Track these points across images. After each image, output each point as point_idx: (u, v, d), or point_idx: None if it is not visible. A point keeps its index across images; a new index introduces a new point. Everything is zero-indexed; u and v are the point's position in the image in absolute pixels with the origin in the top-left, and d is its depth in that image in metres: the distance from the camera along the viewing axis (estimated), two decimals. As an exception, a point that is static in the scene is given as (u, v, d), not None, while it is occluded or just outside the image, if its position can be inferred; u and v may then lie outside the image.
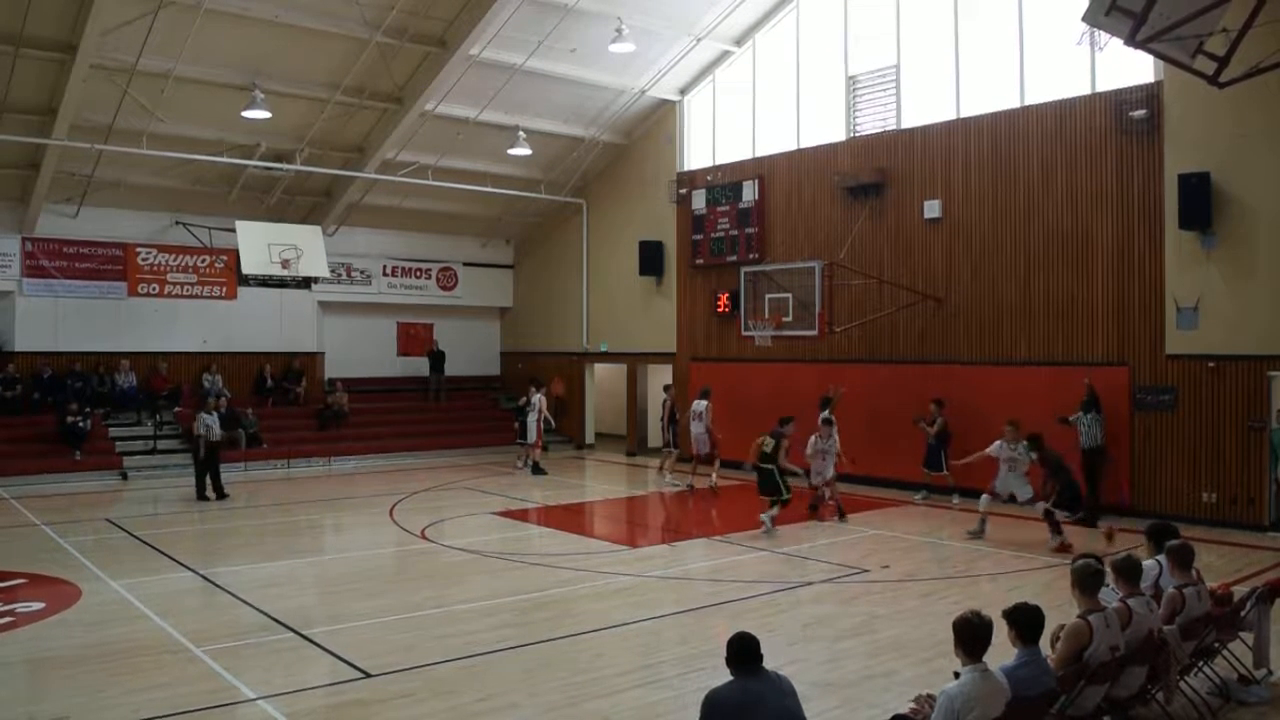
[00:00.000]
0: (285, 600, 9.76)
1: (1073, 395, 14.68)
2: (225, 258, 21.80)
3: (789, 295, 16.67)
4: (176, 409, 20.68)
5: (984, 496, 13.11)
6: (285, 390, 22.88)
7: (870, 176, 17.88)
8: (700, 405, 17.83)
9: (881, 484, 16.93)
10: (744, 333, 17.69)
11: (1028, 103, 16.02)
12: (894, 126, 17.93)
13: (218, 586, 10.29)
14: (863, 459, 16.51)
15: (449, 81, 18.57)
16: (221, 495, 16.48)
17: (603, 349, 23.90)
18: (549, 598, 9.98)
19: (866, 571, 11.03)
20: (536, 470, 19.65)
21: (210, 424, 16.49)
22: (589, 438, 24.62)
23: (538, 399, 19.98)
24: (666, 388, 20.22)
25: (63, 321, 20.60)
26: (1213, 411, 13.87)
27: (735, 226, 20.45)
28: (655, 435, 23.72)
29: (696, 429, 17.79)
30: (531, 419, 19.83)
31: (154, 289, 21.57)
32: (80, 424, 18.90)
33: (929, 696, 4.95)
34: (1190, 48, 9.95)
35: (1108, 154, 14.97)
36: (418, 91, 18.80)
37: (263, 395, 22.46)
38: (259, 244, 20.21)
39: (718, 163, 21.23)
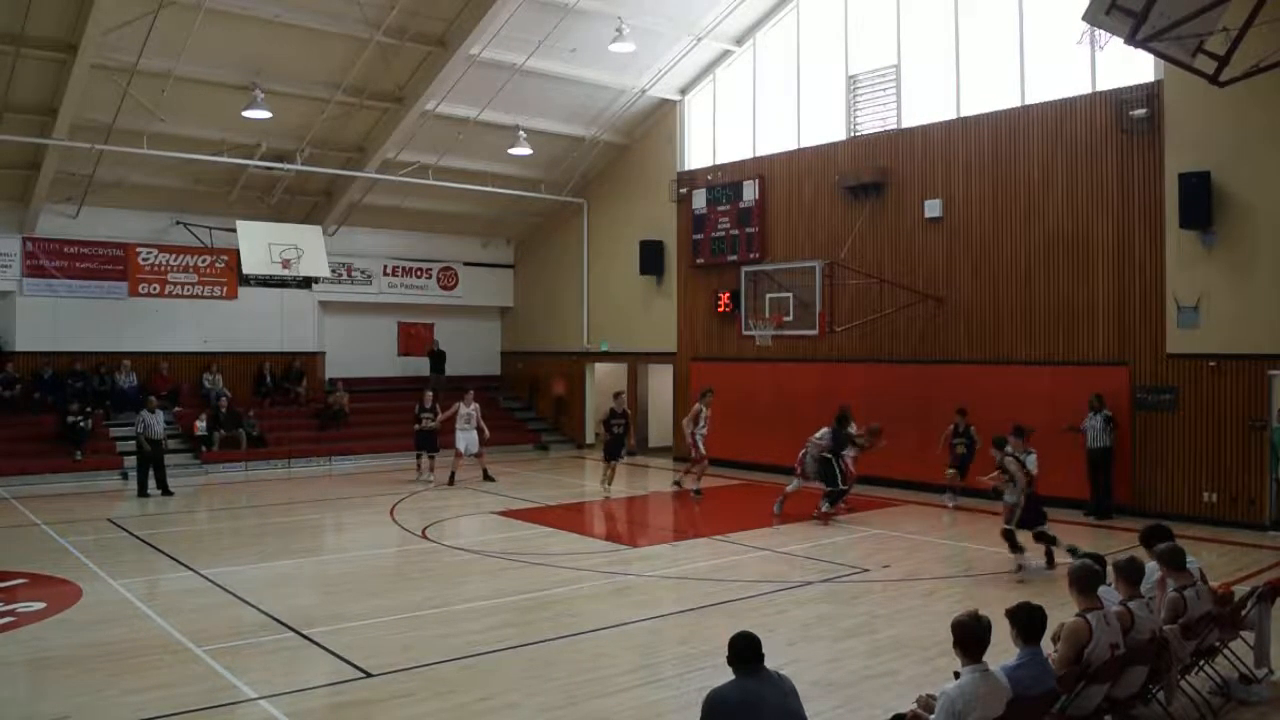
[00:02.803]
0: (285, 600, 9.75)
1: (1073, 395, 14.68)
2: (226, 258, 21.81)
3: (789, 295, 16.66)
4: (177, 409, 20.69)
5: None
6: (286, 390, 22.89)
7: (870, 176, 17.88)
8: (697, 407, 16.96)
9: (882, 484, 16.91)
10: (744, 332, 17.67)
11: (1028, 102, 16.02)
12: (894, 126, 17.92)
13: (218, 586, 10.28)
14: (863, 458, 16.47)
15: (449, 81, 18.57)
16: (166, 492, 16.69)
17: (603, 348, 23.90)
18: (549, 598, 9.97)
19: (867, 571, 11.03)
20: (487, 477, 18.30)
21: (150, 422, 16.59)
22: (589, 437, 24.60)
23: (474, 409, 18.39)
24: (617, 395, 17.73)
25: (63, 321, 20.61)
26: (1213, 411, 13.86)
27: (735, 226, 20.44)
28: (656, 435, 23.75)
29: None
30: (468, 428, 18.26)
31: (155, 289, 21.58)
32: (81, 424, 18.91)
33: (930, 697, 4.95)
34: (1190, 47, 9.95)
35: (1108, 153, 14.96)
36: (418, 91, 18.80)
37: (263, 395, 22.47)
38: (260, 244, 20.22)
39: (718, 162, 21.24)
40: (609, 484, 16.98)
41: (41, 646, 8.21)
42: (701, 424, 16.51)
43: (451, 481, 17.97)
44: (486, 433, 18.64)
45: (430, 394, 19.24)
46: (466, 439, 18.34)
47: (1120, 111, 14.71)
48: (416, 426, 18.71)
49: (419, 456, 18.78)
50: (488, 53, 18.23)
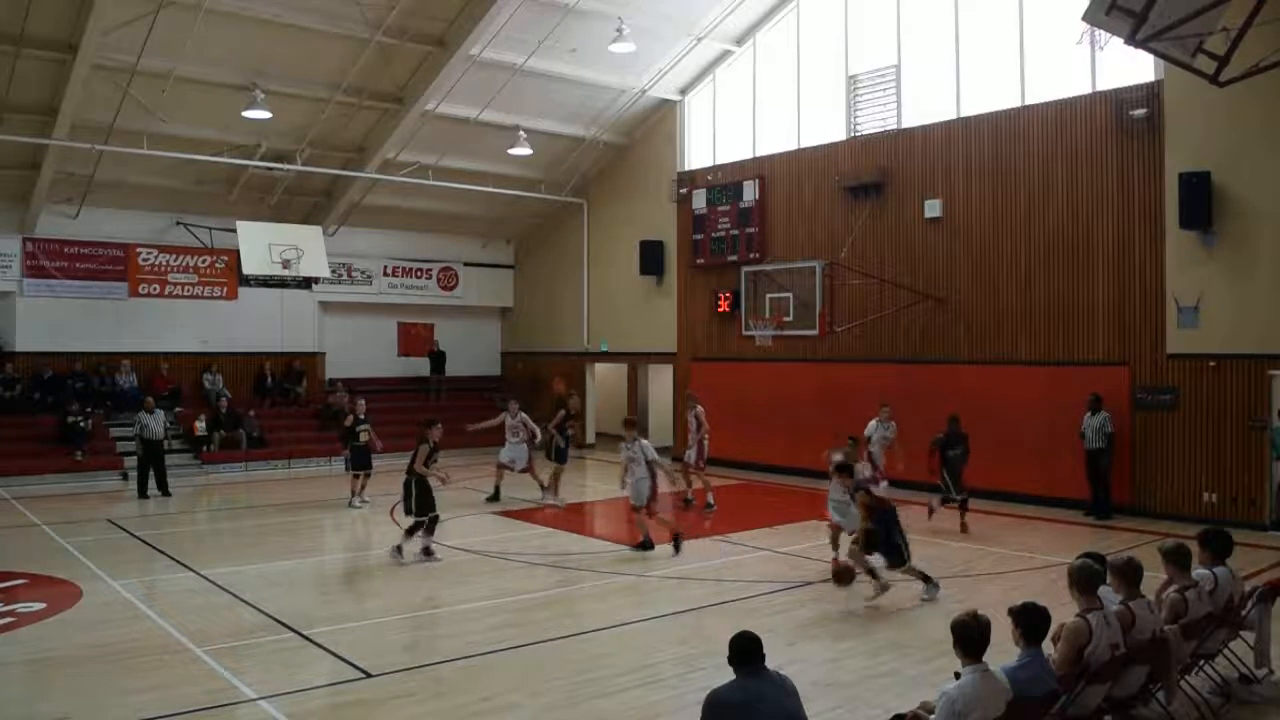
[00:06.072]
0: (285, 600, 9.76)
1: (1073, 395, 14.68)
2: (226, 258, 21.82)
3: (790, 295, 16.67)
4: (177, 409, 20.68)
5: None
6: (286, 390, 22.90)
7: (871, 176, 17.88)
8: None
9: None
10: (745, 332, 17.68)
11: (1028, 102, 16.01)
12: (894, 126, 17.92)
13: (218, 586, 10.28)
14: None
15: (449, 81, 18.57)
16: (165, 493, 16.71)
17: (603, 348, 23.90)
18: (549, 598, 9.98)
19: (867, 571, 11.01)
20: (544, 491, 16.40)
21: (147, 423, 16.61)
22: (589, 437, 24.60)
23: (519, 419, 16.57)
24: (569, 394, 16.73)
25: (63, 321, 20.62)
26: (1213, 411, 13.86)
27: (736, 226, 20.44)
28: (656, 435, 23.71)
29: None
30: (515, 441, 16.51)
31: (155, 289, 21.59)
32: (81, 424, 18.92)
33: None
34: (1190, 47, 9.94)
35: (1108, 153, 14.96)
36: (418, 91, 18.81)
37: (263, 395, 22.47)
38: (260, 244, 20.23)
39: (718, 162, 21.23)
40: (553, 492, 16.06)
41: (41, 646, 8.22)
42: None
43: (497, 497, 16.15)
44: (539, 435, 16.57)
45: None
46: (514, 452, 16.36)
47: (1120, 111, 14.70)
48: (355, 442, 15.88)
49: (355, 477, 15.96)
50: (488, 53, 18.23)
